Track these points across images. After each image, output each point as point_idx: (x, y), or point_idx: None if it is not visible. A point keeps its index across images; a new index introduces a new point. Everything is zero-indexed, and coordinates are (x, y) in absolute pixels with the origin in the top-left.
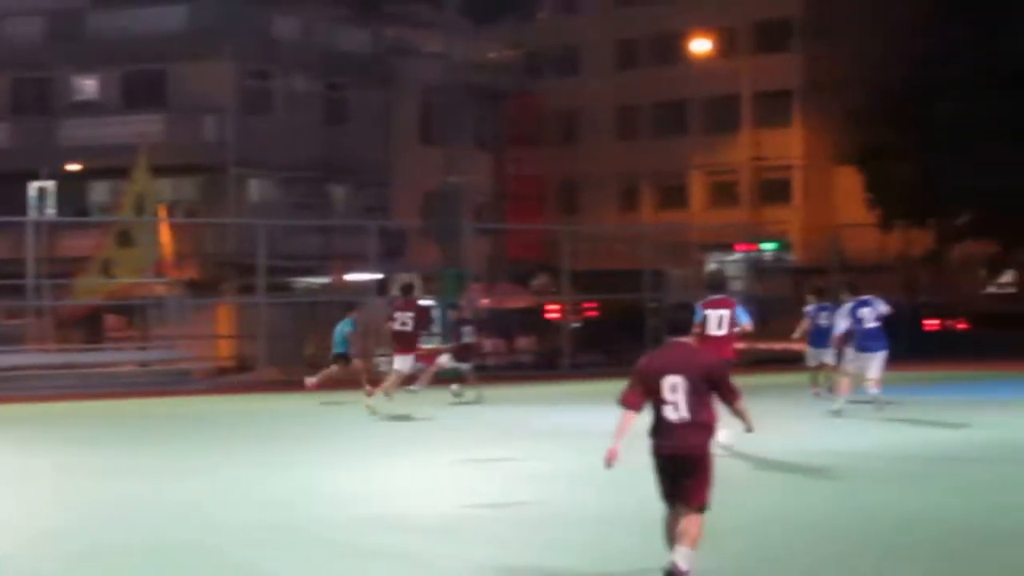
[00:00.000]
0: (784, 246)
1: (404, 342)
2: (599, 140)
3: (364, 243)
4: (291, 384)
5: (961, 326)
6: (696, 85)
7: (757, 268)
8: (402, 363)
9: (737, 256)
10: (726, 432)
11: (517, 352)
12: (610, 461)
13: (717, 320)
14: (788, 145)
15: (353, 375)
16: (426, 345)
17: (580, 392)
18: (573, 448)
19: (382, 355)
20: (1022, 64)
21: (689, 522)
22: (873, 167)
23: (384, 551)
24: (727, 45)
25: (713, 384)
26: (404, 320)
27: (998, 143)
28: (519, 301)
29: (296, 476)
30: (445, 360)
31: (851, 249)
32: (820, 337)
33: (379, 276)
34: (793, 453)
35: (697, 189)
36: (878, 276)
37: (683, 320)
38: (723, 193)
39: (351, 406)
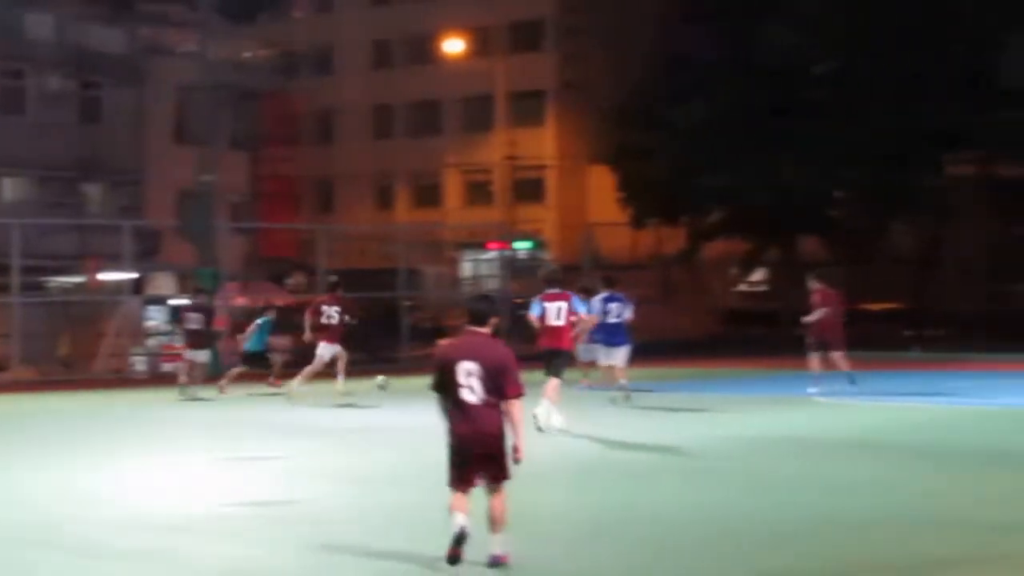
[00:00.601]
0: (538, 245)
1: (330, 333)
2: (355, 139)
3: (119, 242)
4: (46, 384)
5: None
6: (451, 85)
7: (512, 267)
8: (325, 350)
9: (491, 255)
10: (557, 416)
11: (274, 351)
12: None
13: (556, 311)
14: (542, 144)
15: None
16: (176, 344)
17: (336, 390)
18: (333, 445)
19: (137, 355)
20: (770, 63)
21: (494, 505)
22: (625, 166)
23: (140, 551)
24: (481, 45)
25: (502, 374)
26: (330, 314)
27: (748, 142)
28: (276, 300)
29: (51, 477)
30: (190, 354)
31: (605, 247)
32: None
33: (134, 275)
34: (554, 448)
35: (452, 188)
36: (632, 274)
37: (481, 312)
38: (478, 192)
39: (108, 406)
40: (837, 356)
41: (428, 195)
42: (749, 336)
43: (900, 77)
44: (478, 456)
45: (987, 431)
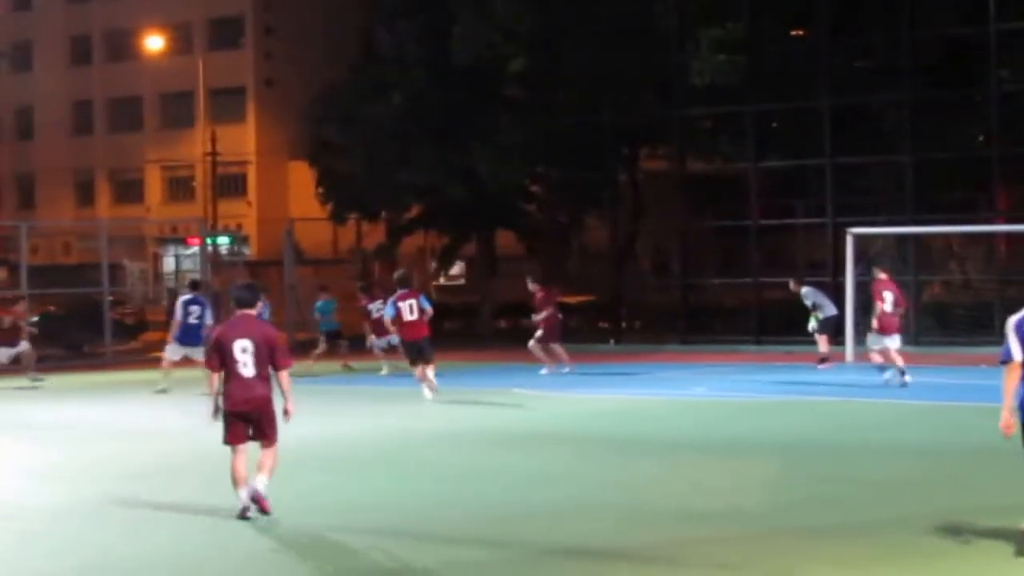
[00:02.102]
0: (238, 240)
1: (381, 325)
2: (54, 135)
3: None
4: None
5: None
6: (152, 81)
7: (213, 262)
8: (376, 343)
9: (192, 250)
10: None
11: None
12: (215, 417)
13: (408, 308)
14: (243, 141)
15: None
16: None
17: (40, 386)
18: (36, 442)
19: None
20: (466, 60)
21: (266, 456)
22: (323, 162)
23: None
24: (182, 42)
25: (272, 350)
26: (377, 307)
27: (445, 137)
28: None
29: None
30: None
31: (307, 243)
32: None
33: None
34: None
35: (153, 184)
36: (334, 269)
37: (247, 297)
38: (179, 188)
39: None
40: (557, 348)
41: (129, 191)
42: (448, 329)
43: (594, 74)
44: (252, 419)
45: (677, 421)
